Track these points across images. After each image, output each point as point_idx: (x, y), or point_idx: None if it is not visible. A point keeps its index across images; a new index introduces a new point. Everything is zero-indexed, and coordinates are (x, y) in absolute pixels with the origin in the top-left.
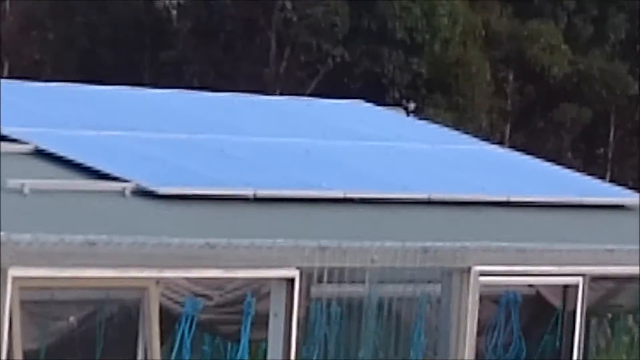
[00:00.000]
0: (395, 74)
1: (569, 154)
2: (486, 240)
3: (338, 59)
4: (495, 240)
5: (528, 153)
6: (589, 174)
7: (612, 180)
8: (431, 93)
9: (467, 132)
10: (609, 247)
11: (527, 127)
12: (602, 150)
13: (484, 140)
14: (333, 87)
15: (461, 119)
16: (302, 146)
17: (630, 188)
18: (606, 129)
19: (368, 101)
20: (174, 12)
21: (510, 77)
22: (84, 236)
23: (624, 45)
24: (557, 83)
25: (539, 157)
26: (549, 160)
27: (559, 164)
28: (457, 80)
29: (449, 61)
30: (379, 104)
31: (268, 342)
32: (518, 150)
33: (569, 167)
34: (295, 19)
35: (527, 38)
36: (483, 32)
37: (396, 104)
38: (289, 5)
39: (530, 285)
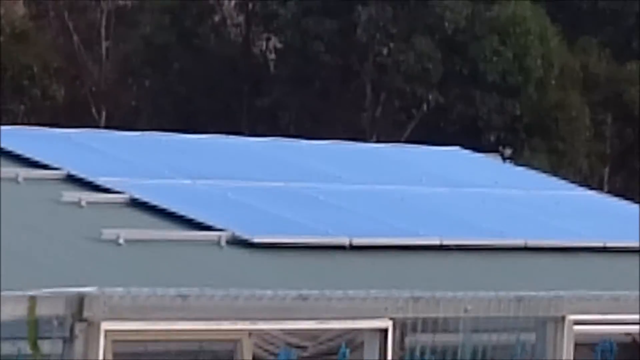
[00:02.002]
0: (491, 117)
1: None
2: (581, 289)
3: (433, 104)
4: (590, 288)
5: (627, 197)
6: None
7: None
8: (530, 137)
9: (565, 176)
10: None
11: (626, 170)
12: None
13: (582, 184)
14: (429, 131)
15: (560, 163)
16: (398, 193)
17: None
18: None
19: (464, 145)
20: (272, 56)
21: (609, 120)
22: (176, 289)
23: None
24: None
25: (638, 201)
26: None
27: None
28: (556, 124)
29: (548, 104)
30: (475, 147)
31: None
32: (617, 194)
33: None
34: (389, 64)
35: (625, 80)
36: (581, 75)
37: (492, 147)
38: (383, 51)
39: (627, 334)
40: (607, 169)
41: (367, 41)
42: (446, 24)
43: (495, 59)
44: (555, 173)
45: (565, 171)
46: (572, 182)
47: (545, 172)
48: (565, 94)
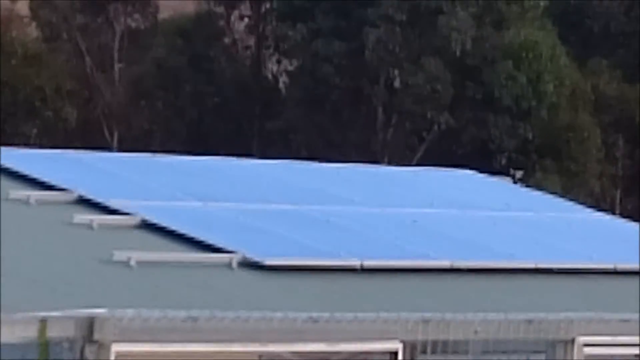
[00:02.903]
0: (503, 140)
1: None
2: (591, 311)
3: (444, 126)
4: (599, 310)
5: (638, 219)
6: None
7: None
8: (541, 158)
9: (577, 198)
10: None
11: (638, 192)
12: None
13: (593, 206)
14: (440, 153)
15: (571, 185)
16: (409, 216)
17: None
18: None
19: (475, 167)
20: (283, 78)
21: (620, 142)
22: (187, 311)
23: None
24: None
25: None
26: None
27: None
28: (568, 146)
29: (559, 126)
30: (486, 170)
31: None
32: (629, 216)
33: None
34: (399, 86)
35: (635, 101)
36: (592, 97)
37: (504, 169)
38: (393, 73)
39: (637, 355)
40: (619, 191)
41: (377, 63)
42: (453, 45)
43: (509, 83)
44: (566, 195)
45: (577, 193)
46: (584, 204)
47: (556, 194)
48: (576, 115)
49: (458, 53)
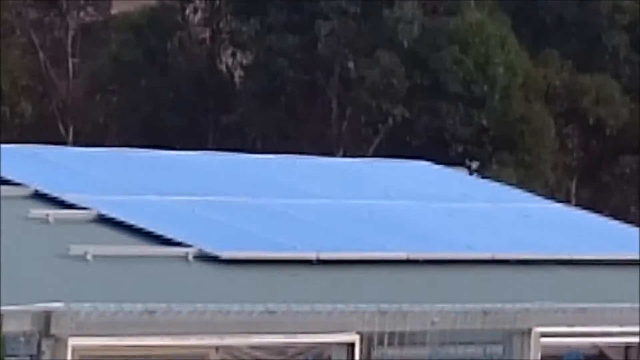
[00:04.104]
0: (457, 129)
1: (634, 208)
2: (547, 301)
3: (399, 118)
4: (556, 301)
5: (594, 209)
6: None
7: None
8: (496, 149)
9: (532, 189)
10: None
11: (593, 182)
12: None
13: (549, 197)
14: (396, 144)
15: (527, 176)
16: (365, 208)
17: None
18: None
19: (431, 157)
20: (238, 72)
21: (574, 133)
22: (144, 305)
23: None
24: (619, 136)
25: (604, 212)
26: (614, 216)
27: (624, 219)
28: (522, 136)
29: (513, 116)
30: (442, 161)
31: None
32: (584, 206)
33: (634, 222)
34: (354, 79)
35: (586, 92)
36: (544, 87)
37: (460, 159)
38: (348, 66)
39: (593, 345)
40: (574, 182)
41: (330, 56)
42: (400, 36)
43: (455, 68)
44: (522, 186)
45: (532, 184)
46: (539, 195)
47: (512, 184)
48: (529, 105)
49: (406, 44)
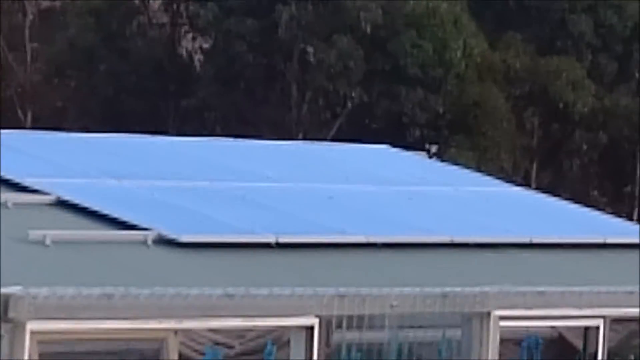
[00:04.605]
0: (416, 113)
1: (595, 192)
2: (506, 284)
3: (357, 101)
4: (515, 284)
5: (554, 192)
6: (616, 212)
7: (639, 218)
8: (454, 133)
9: (492, 172)
10: (629, 288)
11: (553, 165)
12: (629, 187)
13: (509, 181)
14: (355, 128)
15: (485, 159)
16: (325, 191)
17: None
18: (632, 166)
19: (390, 141)
20: (197, 56)
21: (535, 116)
22: (102, 289)
23: None
24: (581, 120)
25: (565, 196)
26: (575, 199)
27: (585, 202)
28: (479, 120)
29: (470, 100)
30: (401, 144)
31: None
32: (544, 189)
33: (594, 206)
34: (312, 63)
35: (549, 75)
36: (503, 70)
37: (419, 143)
38: (307, 50)
39: (552, 327)
40: (534, 165)
41: (290, 40)
42: (362, 22)
43: (414, 52)
44: (481, 169)
45: (491, 167)
46: (499, 178)
47: (471, 168)
48: (486, 89)
49: (369, 29)
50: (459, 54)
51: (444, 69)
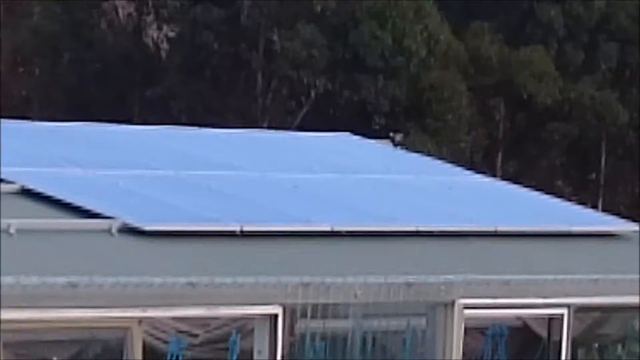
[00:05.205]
0: (379, 101)
1: (560, 182)
2: (471, 273)
3: (321, 90)
4: (480, 273)
5: (519, 181)
6: (581, 201)
7: (603, 207)
8: (419, 122)
9: (457, 162)
10: (594, 277)
11: (519, 154)
12: (594, 176)
13: (474, 170)
14: (319, 117)
15: (447, 147)
16: (290, 180)
17: (622, 215)
18: (597, 155)
19: (355, 130)
20: (163, 45)
21: (501, 105)
22: (66, 277)
23: (614, 73)
24: (547, 110)
25: (530, 185)
26: (540, 189)
27: (550, 191)
28: (434, 106)
29: (434, 89)
30: (366, 132)
31: None
32: (509, 178)
33: (560, 195)
34: (277, 52)
35: (517, 65)
36: (468, 59)
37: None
38: (272, 38)
39: (517, 317)
40: (499, 154)
41: (254, 29)
42: (318, 9)
43: (372, 42)
44: (445, 158)
45: (457, 157)
46: (464, 167)
47: (433, 156)
48: (446, 75)
49: (331, 18)
50: (419, 42)
51: (405, 57)
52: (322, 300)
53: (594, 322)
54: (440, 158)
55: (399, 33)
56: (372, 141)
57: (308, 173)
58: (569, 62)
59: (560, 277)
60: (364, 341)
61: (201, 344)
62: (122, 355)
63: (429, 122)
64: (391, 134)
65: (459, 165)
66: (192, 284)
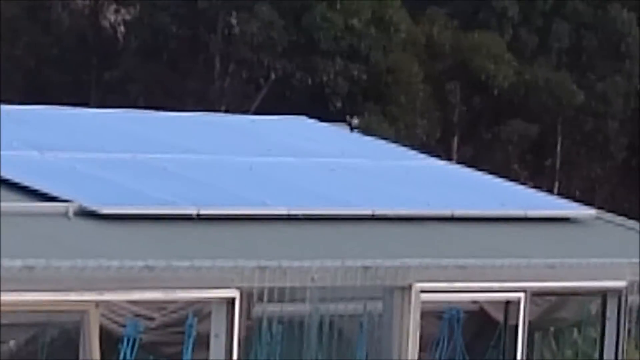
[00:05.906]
0: (337, 84)
1: (516, 166)
2: (428, 257)
3: (280, 73)
4: (437, 257)
5: (475, 165)
6: (537, 186)
7: (559, 191)
8: (374, 105)
9: (412, 146)
10: (550, 262)
11: (475, 139)
12: (549, 161)
13: (430, 154)
14: (278, 100)
15: (407, 132)
16: (246, 164)
17: (578, 199)
18: (553, 140)
19: (312, 113)
20: (121, 28)
21: (457, 89)
22: (23, 260)
23: (569, 55)
24: (503, 93)
25: (486, 169)
26: (496, 173)
27: (506, 176)
28: (390, 89)
29: (391, 73)
30: (323, 116)
31: None
32: (465, 163)
33: (516, 179)
34: (236, 35)
35: (471, 49)
36: (424, 43)
37: (340, 115)
38: (231, 21)
39: (474, 301)
40: (455, 139)
41: (213, 11)
42: None
43: (326, 24)
44: (401, 142)
45: (412, 141)
46: (420, 151)
47: (389, 139)
48: (408, 63)
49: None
50: (372, 25)
51: (356, 37)
52: (279, 284)
53: (550, 306)
54: (396, 142)
55: (349, 15)
56: (326, 124)
57: (264, 156)
58: (523, 46)
59: (517, 261)
60: (320, 325)
61: (158, 328)
62: (79, 338)
63: (385, 106)
64: (348, 118)
65: (415, 149)
66: (149, 268)
